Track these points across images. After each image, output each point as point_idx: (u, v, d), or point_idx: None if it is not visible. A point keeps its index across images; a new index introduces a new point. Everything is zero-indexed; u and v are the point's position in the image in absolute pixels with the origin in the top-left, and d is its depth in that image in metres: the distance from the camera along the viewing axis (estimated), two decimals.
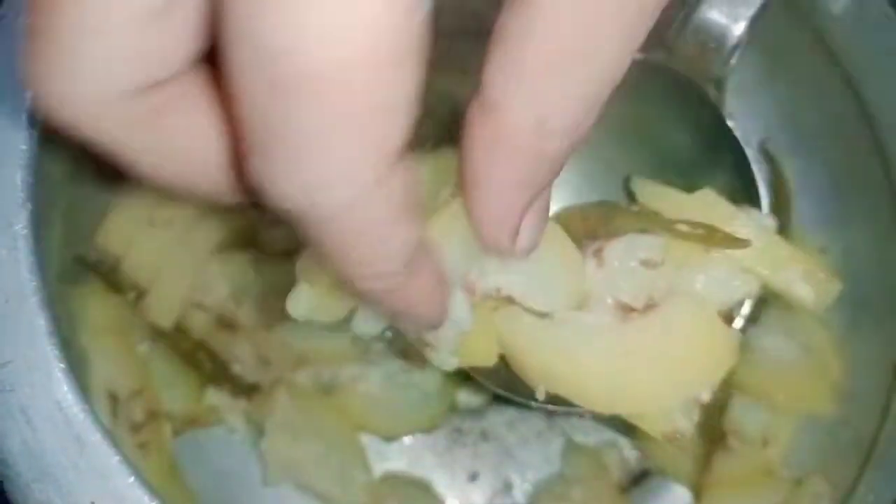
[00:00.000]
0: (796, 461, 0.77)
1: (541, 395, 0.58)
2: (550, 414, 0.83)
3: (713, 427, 0.77)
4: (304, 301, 0.56)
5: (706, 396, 0.57)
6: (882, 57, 0.71)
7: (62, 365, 0.53)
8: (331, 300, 0.56)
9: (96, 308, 0.72)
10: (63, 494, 0.51)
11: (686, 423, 0.57)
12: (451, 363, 0.58)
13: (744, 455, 0.77)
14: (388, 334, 0.58)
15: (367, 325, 0.57)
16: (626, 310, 0.57)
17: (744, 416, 0.76)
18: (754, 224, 0.61)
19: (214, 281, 0.77)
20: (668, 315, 0.57)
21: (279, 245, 0.81)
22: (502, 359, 0.59)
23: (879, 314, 0.76)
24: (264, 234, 0.81)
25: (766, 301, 0.75)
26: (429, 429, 0.82)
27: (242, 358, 0.78)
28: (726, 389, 0.76)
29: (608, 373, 0.56)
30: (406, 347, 0.81)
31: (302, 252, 0.57)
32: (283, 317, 0.79)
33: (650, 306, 0.57)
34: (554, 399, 0.58)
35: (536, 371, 0.58)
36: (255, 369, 0.78)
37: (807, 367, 0.76)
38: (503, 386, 0.62)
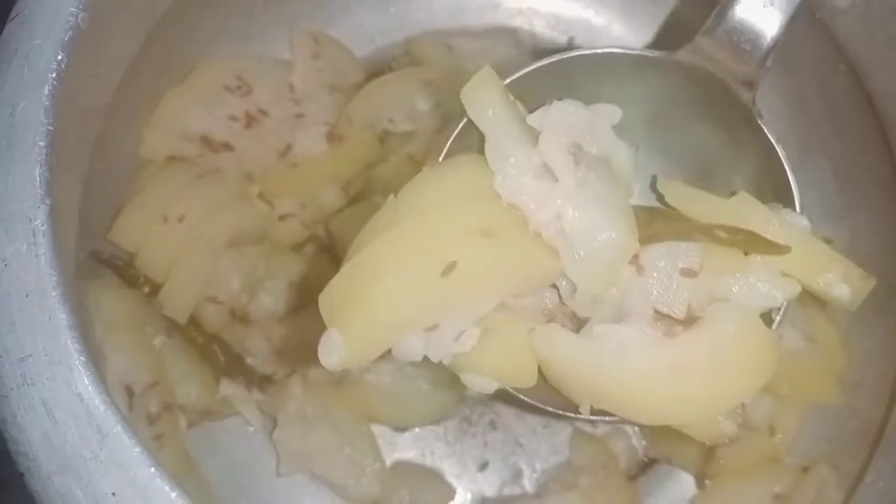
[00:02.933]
0: (802, 449, 0.78)
1: (585, 411, 0.58)
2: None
3: None
4: (337, 349, 0.53)
5: (750, 400, 0.57)
6: (888, 51, 0.71)
7: (82, 358, 0.53)
8: (365, 343, 0.54)
9: (111, 302, 0.73)
10: (84, 486, 0.52)
11: (732, 427, 0.57)
12: (491, 386, 0.58)
13: (750, 443, 0.78)
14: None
15: (409, 352, 0.56)
16: (668, 321, 0.57)
17: (750, 406, 0.77)
18: (791, 227, 0.60)
19: (227, 275, 0.78)
20: (713, 328, 0.56)
21: (290, 239, 0.83)
22: (541, 375, 0.58)
23: (884, 303, 0.77)
24: (275, 227, 0.82)
25: None
26: (438, 419, 0.83)
27: (256, 351, 0.79)
28: None
29: (655, 387, 0.56)
30: None
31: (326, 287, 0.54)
32: (296, 309, 0.80)
33: (692, 318, 0.57)
34: (598, 412, 0.58)
35: (580, 389, 0.57)
36: (269, 362, 0.79)
37: (812, 356, 0.77)
38: (544, 400, 0.62)
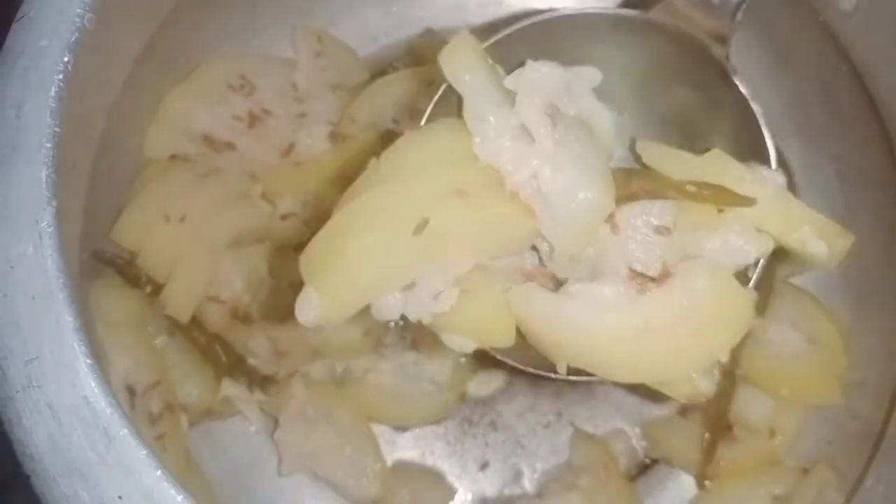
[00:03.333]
0: (802, 451, 0.78)
1: (562, 370, 0.58)
2: (559, 404, 0.84)
3: (720, 417, 0.78)
4: (314, 306, 0.55)
5: (725, 357, 0.58)
6: (892, 53, 0.71)
7: (89, 360, 0.53)
8: (340, 301, 0.55)
9: (113, 302, 0.73)
10: (90, 489, 0.52)
11: (708, 385, 0.58)
12: (469, 346, 0.59)
13: (750, 445, 0.78)
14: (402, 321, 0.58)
15: (387, 310, 0.57)
16: (642, 279, 0.57)
17: (750, 407, 0.78)
18: (765, 182, 0.60)
19: (229, 275, 0.78)
20: (685, 284, 0.57)
21: (292, 239, 0.82)
22: (520, 335, 0.59)
23: (884, 304, 0.77)
24: (277, 227, 0.82)
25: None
26: (439, 419, 0.83)
27: (257, 351, 0.79)
28: (732, 380, 0.77)
29: (629, 345, 0.56)
30: (418, 336, 0.82)
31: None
32: None
33: (665, 275, 0.57)
34: (575, 371, 0.58)
35: (556, 347, 0.58)
36: (270, 362, 0.79)
37: (813, 357, 0.77)
38: (522, 361, 0.62)
